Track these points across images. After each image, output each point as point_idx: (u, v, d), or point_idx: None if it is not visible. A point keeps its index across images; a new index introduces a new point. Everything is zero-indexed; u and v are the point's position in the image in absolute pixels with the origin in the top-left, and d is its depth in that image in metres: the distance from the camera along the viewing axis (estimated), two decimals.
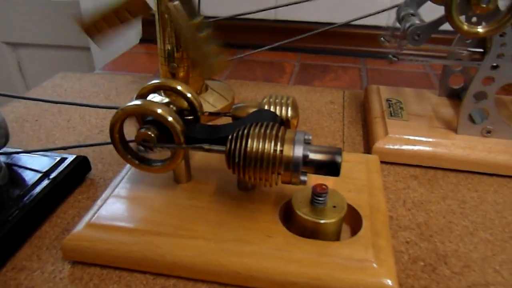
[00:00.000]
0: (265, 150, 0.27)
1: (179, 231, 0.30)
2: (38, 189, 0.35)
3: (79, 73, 0.66)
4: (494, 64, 0.38)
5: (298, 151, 0.27)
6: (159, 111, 0.29)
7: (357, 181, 0.35)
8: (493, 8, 0.35)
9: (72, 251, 0.30)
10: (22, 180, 0.36)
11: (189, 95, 0.33)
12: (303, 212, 0.29)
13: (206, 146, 0.29)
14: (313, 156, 0.27)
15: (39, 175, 0.37)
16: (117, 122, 0.30)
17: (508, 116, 0.46)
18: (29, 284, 0.29)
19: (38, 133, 0.48)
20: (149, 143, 0.30)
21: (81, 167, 0.39)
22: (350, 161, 0.37)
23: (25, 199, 0.34)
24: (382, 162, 0.42)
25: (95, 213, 0.31)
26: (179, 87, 0.33)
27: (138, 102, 0.30)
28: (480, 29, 0.35)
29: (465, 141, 0.41)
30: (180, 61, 0.49)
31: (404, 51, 0.42)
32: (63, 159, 0.39)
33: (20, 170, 0.37)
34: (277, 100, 0.33)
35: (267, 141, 0.27)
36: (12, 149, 0.39)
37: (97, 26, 0.48)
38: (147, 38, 0.91)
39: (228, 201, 0.32)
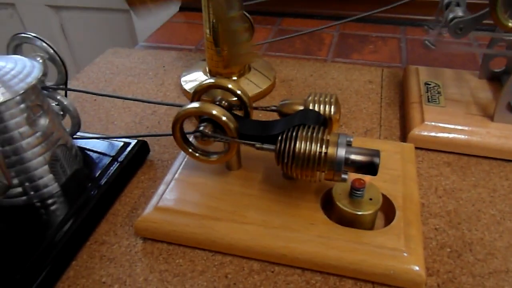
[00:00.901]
0: (312, 152, 0.31)
1: (234, 217, 0.34)
2: (110, 171, 0.40)
3: (128, 48, 0.70)
4: None
5: (341, 153, 0.30)
6: (214, 112, 0.33)
7: (392, 171, 0.38)
8: None
9: (143, 230, 0.35)
10: (95, 163, 0.41)
11: (239, 92, 0.37)
12: (343, 204, 0.33)
13: (258, 145, 0.33)
14: (354, 157, 0.31)
15: (109, 158, 0.42)
16: (178, 121, 0.34)
17: None
18: (111, 256, 0.35)
19: (98, 113, 0.53)
20: (207, 137, 0.34)
21: (142, 150, 0.44)
22: (387, 150, 0.40)
23: (101, 181, 0.39)
24: (417, 148, 0.44)
25: (160, 197, 0.36)
26: (229, 85, 0.37)
27: (196, 104, 0.34)
28: None
29: (501, 130, 0.43)
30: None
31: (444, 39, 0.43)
32: (127, 144, 0.44)
33: (92, 154, 0.43)
34: (321, 99, 0.36)
35: (313, 143, 0.31)
36: (85, 133, 0.44)
37: None
38: (186, 6, 0.93)
39: (274, 189, 0.37)
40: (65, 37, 1.44)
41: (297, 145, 0.31)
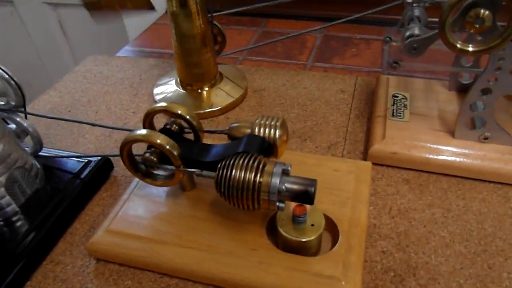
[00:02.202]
0: (247, 181, 0.31)
1: (180, 241, 0.35)
2: (71, 190, 0.41)
3: (107, 56, 0.70)
4: (492, 77, 0.38)
5: (275, 182, 0.31)
6: (159, 141, 0.34)
7: (343, 193, 0.38)
8: (489, 26, 0.34)
9: (94, 252, 0.36)
10: (57, 181, 0.42)
11: (188, 117, 0.37)
12: (284, 230, 0.33)
13: (197, 172, 0.34)
14: (288, 186, 0.31)
15: (71, 176, 0.43)
16: (124, 147, 0.35)
17: (507, 119, 0.45)
18: (64, 276, 0.36)
19: (71, 125, 0.54)
20: (152, 163, 0.35)
21: (106, 166, 0.45)
22: (341, 170, 0.40)
23: (61, 200, 0.40)
24: (377, 164, 0.44)
25: (112, 220, 0.37)
26: (179, 111, 0.37)
27: (143, 132, 0.34)
28: (470, 48, 0.35)
29: (461, 147, 0.42)
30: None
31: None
32: (90, 161, 0.45)
33: (55, 172, 0.44)
34: (267, 122, 0.36)
35: (249, 172, 0.31)
36: (50, 150, 0.45)
37: None
38: None
39: (223, 212, 0.37)
40: (63, 34, 1.46)
41: (233, 173, 0.31)
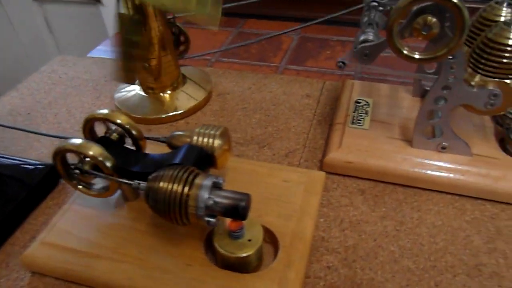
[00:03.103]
0: (173, 194, 0.29)
1: (113, 255, 0.34)
2: (14, 197, 0.40)
3: (76, 56, 0.69)
4: (445, 85, 0.37)
5: (203, 196, 0.29)
6: (91, 152, 0.32)
7: (289, 205, 0.37)
8: (437, 33, 0.33)
9: (29, 265, 0.35)
10: (3, 189, 0.41)
11: (127, 126, 0.36)
12: (220, 245, 0.32)
13: (135, 184, 0.32)
14: (218, 200, 0.29)
15: (15, 182, 0.42)
16: (56, 156, 0.33)
17: (469, 128, 0.44)
18: None
19: (28, 127, 0.53)
20: (83, 173, 0.34)
21: (53, 173, 0.44)
22: (291, 180, 0.39)
23: (1, 207, 0.39)
24: (333, 174, 0.43)
25: (49, 231, 0.36)
26: (118, 121, 0.35)
27: (77, 142, 0.33)
28: (416, 56, 0.34)
29: (418, 157, 0.41)
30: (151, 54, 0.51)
31: None
32: (38, 166, 0.43)
33: (4, 179, 0.42)
34: (207, 131, 0.35)
35: (176, 184, 0.30)
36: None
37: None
38: None
39: (165, 224, 0.36)
40: (50, 31, 1.45)
41: (160, 185, 0.30)
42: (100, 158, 0.32)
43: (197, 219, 0.30)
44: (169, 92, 0.55)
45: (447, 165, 0.40)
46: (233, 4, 0.71)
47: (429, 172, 0.40)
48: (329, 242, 0.37)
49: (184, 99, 0.54)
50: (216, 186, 0.30)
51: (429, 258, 0.35)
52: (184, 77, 0.57)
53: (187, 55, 0.61)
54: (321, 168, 0.44)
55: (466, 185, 0.39)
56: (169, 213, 0.30)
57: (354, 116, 0.46)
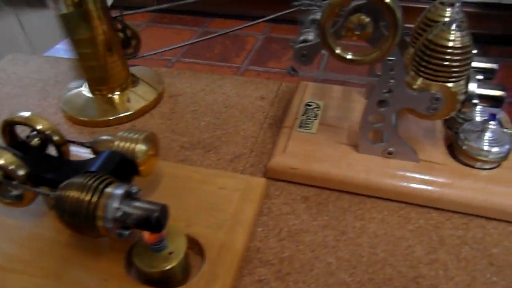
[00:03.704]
0: (80, 203, 0.27)
1: (27, 268, 0.31)
2: None
3: (29, 55, 0.66)
4: (386, 88, 0.35)
5: (112, 206, 0.27)
6: (1, 162, 0.30)
7: (222, 214, 0.35)
8: (371, 33, 0.31)
9: None
10: None
11: (48, 132, 0.34)
12: (139, 258, 0.30)
13: (52, 195, 0.30)
14: (129, 211, 0.27)
15: None
16: None
17: (419, 132, 0.42)
18: None
19: None
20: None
21: None
22: (227, 187, 0.37)
23: None
24: (277, 180, 0.41)
25: None
26: (38, 126, 0.33)
27: None
28: (349, 56, 0.32)
29: (363, 163, 0.39)
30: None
31: None
32: None
33: None
34: (129, 136, 0.32)
35: (84, 193, 0.27)
36: None
37: None
38: (122, 4, 0.88)
39: None
40: (22, 28, 1.41)
41: (67, 194, 0.28)
42: (11, 168, 0.30)
43: (107, 232, 0.28)
44: (117, 93, 0.53)
45: (393, 171, 0.38)
46: (176, 3, 0.69)
47: (374, 178, 0.38)
48: (264, 254, 0.35)
49: (133, 100, 0.52)
50: (129, 196, 0.28)
51: (367, 270, 0.33)
52: (135, 77, 0.55)
53: (141, 54, 0.59)
54: (265, 174, 0.42)
55: (411, 193, 0.38)
56: (77, 225, 0.28)
57: (302, 120, 0.44)
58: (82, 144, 0.35)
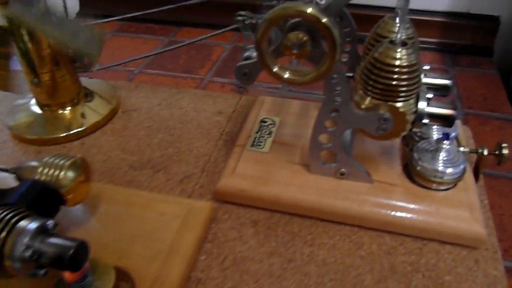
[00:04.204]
0: None
1: None
2: None
3: None
4: (332, 108, 0.33)
5: (22, 243, 0.25)
6: None
7: (158, 244, 0.32)
8: (309, 51, 0.29)
9: None
10: None
11: None
12: None
13: None
14: (42, 249, 0.25)
15: None
16: None
17: (376, 150, 0.41)
18: None
19: None
20: None
21: None
22: (168, 213, 0.35)
23: None
24: (227, 202, 0.39)
25: None
26: None
27: None
28: (286, 75, 0.30)
29: (315, 184, 0.37)
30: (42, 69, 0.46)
31: None
32: None
33: None
34: (55, 162, 0.30)
35: None
36: None
37: None
38: (88, 13, 0.86)
39: None
40: None
41: None
42: None
43: (17, 272, 0.25)
44: (69, 108, 0.50)
45: (345, 193, 0.37)
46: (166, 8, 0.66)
47: (325, 201, 0.36)
48: (205, 285, 0.33)
49: (84, 116, 0.50)
50: (45, 231, 0.26)
51: None
52: (88, 91, 0.52)
53: (96, 67, 0.57)
54: (214, 196, 0.40)
55: (363, 216, 0.36)
56: None
57: (256, 138, 0.42)
58: (6, 171, 0.33)
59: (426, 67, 0.37)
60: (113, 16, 0.84)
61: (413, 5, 0.68)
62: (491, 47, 0.66)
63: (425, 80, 0.37)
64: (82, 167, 0.31)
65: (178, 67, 0.67)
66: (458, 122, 0.44)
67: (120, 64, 0.61)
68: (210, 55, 0.70)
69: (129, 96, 0.55)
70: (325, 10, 0.28)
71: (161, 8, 0.69)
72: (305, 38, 0.28)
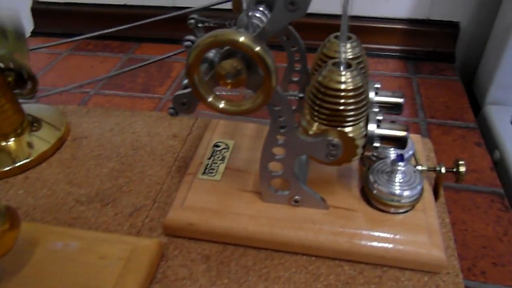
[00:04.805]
0: None
1: None
2: None
3: None
4: (278, 135, 0.31)
5: None
6: None
7: None
8: (245, 80, 0.27)
9: None
10: None
11: None
12: None
13: None
14: None
15: None
16: None
17: (333, 173, 0.39)
18: None
19: None
20: None
21: None
22: (109, 256, 0.32)
23: None
24: (177, 236, 0.37)
25: None
26: None
27: None
28: (221, 105, 0.28)
29: (268, 214, 0.35)
30: None
31: None
32: None
33: None
34: None
35: None
36: None
37: None
38: (43, 31, 0.82)
39: None
40: None
41: None
42: None
43: None
44: (12, 139, 0.47)
45: (299, 222, 0.35)
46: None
47: (279, 232, 0.35)
48: None
49: (30, 147, 0.47)
50: None
51: None
52: (35, 120, 0.49)
53: (44, 93, 0.54)
54: (164, 231, 0.37)
55: (319, 246, 0.34)
56: None
57: (208, 164, 0.40)
58: None
59: (377, 85, 0.35)
60: (70, 35, 0.81)
61: (374, 12, 0.67)
62: (453, 53, 0.65)
63: (376, 98, 0.35)
64: (6, 215, 0.28)
65: (136, 86, 0.65)
66: (416, 137, 0.43)
67: (70, 89, 0.58)
68: (170, 72, 0.68)
69: (80, 122, 0.52)
70: (260, 35, 0.26)
71: (119, 28, 0.66)
72: (239, 67, 0.26)
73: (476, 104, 0.60)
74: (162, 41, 0.77)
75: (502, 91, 0.57)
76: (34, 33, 0.82)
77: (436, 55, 0.66)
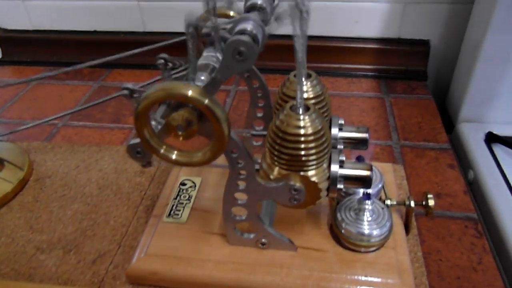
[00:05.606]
0: None
1: None
2: None
3: None
4: (238, 181, 0.30)
5: None
6: None
7: None
8: (196, 131, 0.26)
9: None
10: None
11: None
12: None
13: None
14: None
15: None
16: None
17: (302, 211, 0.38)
18: None
19: None
20: None
21: None
22: None
23: None
24: (142, 285, 0.35)
25: None
26: None
27: None
28: (174, 156, 0.27)
29: (234, 259, 0.34)
30: None
31: None
32: None
33: None
34: None
35: None
36: None
37: None
38: (12, 59, 0.80)
39: None
40: None
41: None
42: None
43: None
44: None
45: (266, 266, 0.33)
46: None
47: (245, 277, 0.33)
48: None
49: None
50: None
51: None
52: None
53: (6, 131, 0.52)
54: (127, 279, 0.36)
55: None
56: None
57: (173, 205, 0.39)
58: None
59: (341, 121, 0.35)
60: (39, 62, 0.79)
61: (346, 33, 0.67)
62: (425, 71, 0.65)
63: (341, 134, 0.34)
64: None
65: (106, 116, 0.63)
66: (387, 167, 0.43)
67: (36, 125, 0.56)
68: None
69: (44, 160, 0.50)
70: (211, 84, 0.25)
71: (91, 63, 0.65)
72: (190, 118, 0.25)
73: (450, 122, 0.60)
74: (133, 67, 0.76)
75: (475, 108, 0.56)
76: (2, 62, 0.80)
77: (408, 74, 0.66)
